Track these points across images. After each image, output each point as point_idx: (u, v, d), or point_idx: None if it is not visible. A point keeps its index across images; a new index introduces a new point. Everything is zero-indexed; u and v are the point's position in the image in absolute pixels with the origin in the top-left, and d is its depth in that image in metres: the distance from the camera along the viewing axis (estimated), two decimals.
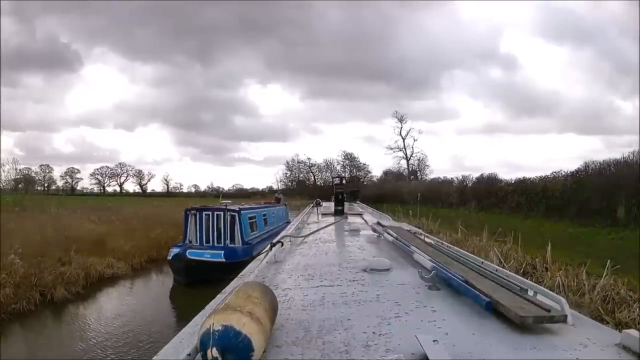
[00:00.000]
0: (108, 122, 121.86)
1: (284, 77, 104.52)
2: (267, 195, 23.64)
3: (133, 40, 79.38)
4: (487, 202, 24.73)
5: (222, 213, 10.83)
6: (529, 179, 23.82)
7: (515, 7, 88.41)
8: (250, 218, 12.10)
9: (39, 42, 74.01)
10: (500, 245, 10.69)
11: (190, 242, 10.91)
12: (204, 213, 10.93)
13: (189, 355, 1.32)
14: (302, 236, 4.92)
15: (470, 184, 31.99)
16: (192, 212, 10.95)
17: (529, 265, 9.14)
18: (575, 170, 20.71)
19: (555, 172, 22.27)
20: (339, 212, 8.61)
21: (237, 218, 10.96)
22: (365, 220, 7.46)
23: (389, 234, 4.52)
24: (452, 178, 37.60)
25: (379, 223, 6.10)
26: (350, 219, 7.96)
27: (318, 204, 11.24)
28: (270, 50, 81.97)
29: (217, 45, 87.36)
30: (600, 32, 66.14)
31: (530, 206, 21.37)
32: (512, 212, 22.46)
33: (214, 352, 1.24)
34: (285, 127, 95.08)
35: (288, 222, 13.67)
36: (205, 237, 10.88)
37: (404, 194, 37.20)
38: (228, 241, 10.81)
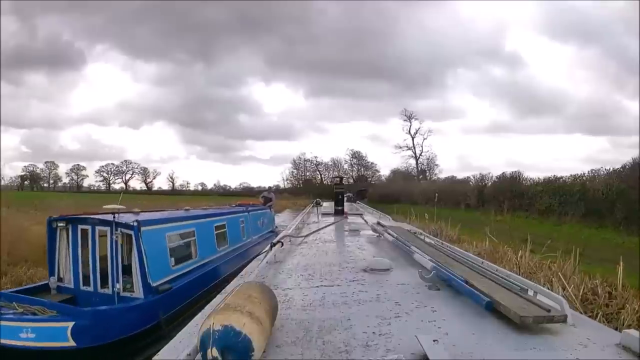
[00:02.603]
0: (113, 120, 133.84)
1: (287, 76, 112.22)
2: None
3: (134, 38, 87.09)
4: (511, 203, 24.62)
5: (108, 229, 6.46)
6: (561, 177, 23.93)
7: (518, 5, 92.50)
8: (180, 236, 7.56)
9: (40, 41, 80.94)
10: (549, 262, 8.48)
11: (61, 280, 6.73)
12: (80, 228, 6.72)
13: (189, 355, 1.57)
14: (302, 236, 5.40)
15: (490, 183, 32.29)
16: (61, 224, 6.79)
17: (589, 290, 7.05)
18: (622, 166, 20.64)
19: (594, 170, 22.42)
20: (339, 212, 9.38)
21: (134, 240, 6.28)
22: (365, 220, 8.05)
23: (389, 234, 4.97)
24: (468, 177, 38.11)
25: (379, 223, 6.66)
26: (351, 219, 8.64)
27: (318, 204, 11.74)
28: (271, 48, 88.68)
29: (218, 43, 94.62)
30: (605, 30, 70.08)
31: (564, 209, 21.36)
32: (542, 216, 22.55)
33: (214, 352, 1.45)
34: (290, 125, 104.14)
35: (272, 232, 12.90)
36: (83, 274, 6.60)
37: (415, 194, 37.60)
38: (119, 285, 6.24)
